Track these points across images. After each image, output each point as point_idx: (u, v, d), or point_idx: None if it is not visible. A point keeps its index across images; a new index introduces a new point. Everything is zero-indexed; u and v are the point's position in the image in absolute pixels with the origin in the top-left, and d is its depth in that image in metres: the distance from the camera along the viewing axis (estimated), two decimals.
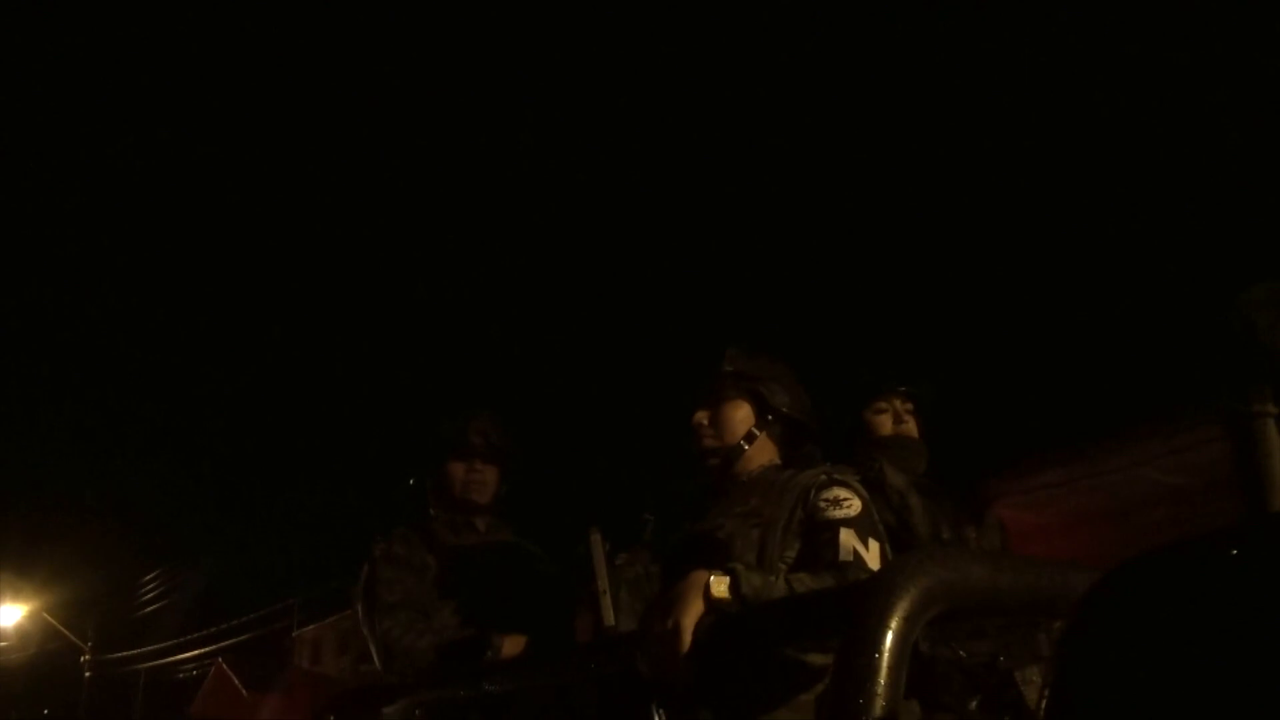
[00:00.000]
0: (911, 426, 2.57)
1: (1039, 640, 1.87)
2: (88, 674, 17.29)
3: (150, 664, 17.07)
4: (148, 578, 18.83)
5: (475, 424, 2.71)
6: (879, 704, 0.84)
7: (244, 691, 14.16)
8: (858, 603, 0.93)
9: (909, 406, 2.58)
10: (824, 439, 2.25)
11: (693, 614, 1.49)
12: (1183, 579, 0.57)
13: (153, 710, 17.66)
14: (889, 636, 0.88)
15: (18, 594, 17.12)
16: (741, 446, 2.04)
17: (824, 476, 1.93)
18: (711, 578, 1.56)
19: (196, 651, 15.79)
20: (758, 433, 2.05)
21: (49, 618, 17.24)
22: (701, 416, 2.07)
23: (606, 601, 1.92)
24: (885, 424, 2.55)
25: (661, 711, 1.69)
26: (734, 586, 1.56)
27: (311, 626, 14.12)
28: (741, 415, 2.06)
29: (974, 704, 1.89)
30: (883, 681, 0.86)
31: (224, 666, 14.88)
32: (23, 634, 18.45)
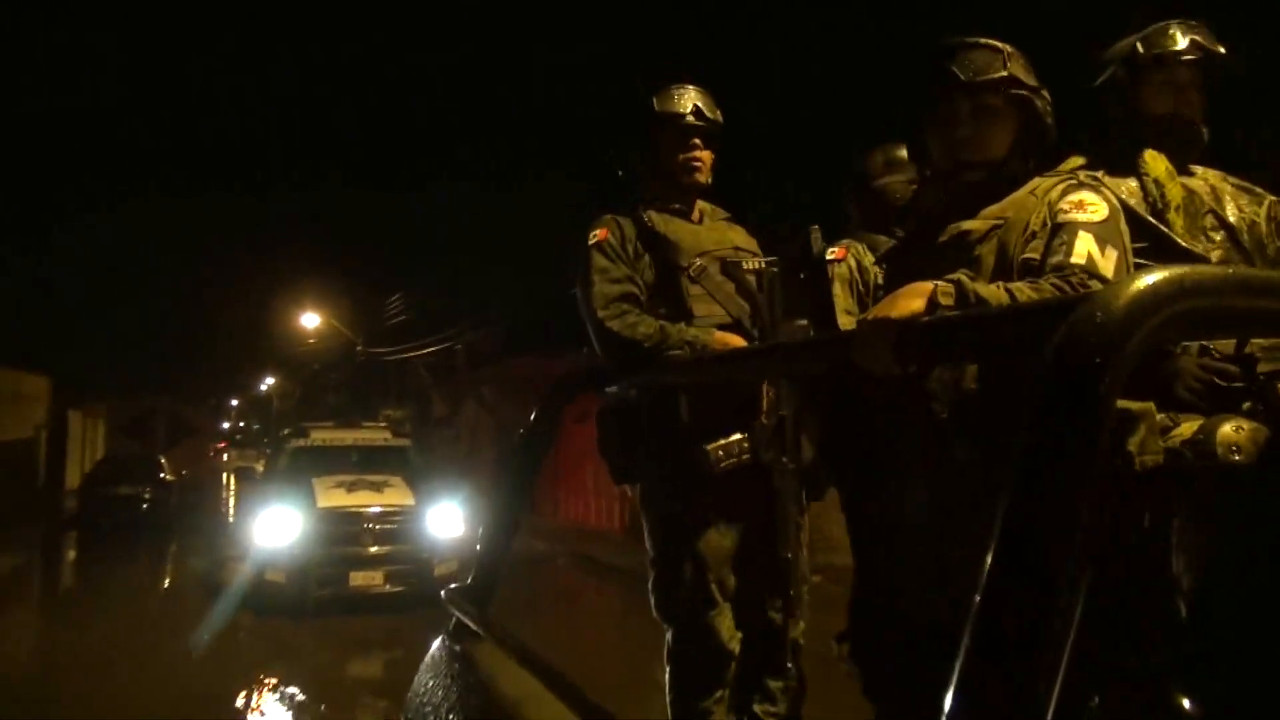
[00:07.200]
0: (1194, 99, 2.01)
1: None
2: (361, 359, 28.11)
3: (395, 357, 27.22)
4: (392, 298, 28.74)
5: (688, 97, 2.54)
6: (1085, 443, 0.71)
7: (429, 379, 24.45)
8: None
9: (1190, 76, 2.00)
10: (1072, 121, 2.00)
11: (908, 311, 1.46)
12: None
13: (399, 384, 28.52)
14: (1112, 368, 0.72)
15: (318, 307, 27.92)
16: (1005, 161, 1.86)
17: (1072, 180, 1.79)
18: (938, 285, 1.52)
19: (415, 353, 25.51)
20: (1019, 146, 1.86)
21: (336, 323, 27.94)
22: (966, 131, 1.84)
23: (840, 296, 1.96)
24: (1161, 99, 2.01)
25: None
26: (960, 296, 1.52)
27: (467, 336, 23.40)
28: (1008, 129, 1.85)
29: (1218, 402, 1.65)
30: (1092, 418, 0.72)
31: (418, 363, 25.21)
32: (320, 334, 29.79)
